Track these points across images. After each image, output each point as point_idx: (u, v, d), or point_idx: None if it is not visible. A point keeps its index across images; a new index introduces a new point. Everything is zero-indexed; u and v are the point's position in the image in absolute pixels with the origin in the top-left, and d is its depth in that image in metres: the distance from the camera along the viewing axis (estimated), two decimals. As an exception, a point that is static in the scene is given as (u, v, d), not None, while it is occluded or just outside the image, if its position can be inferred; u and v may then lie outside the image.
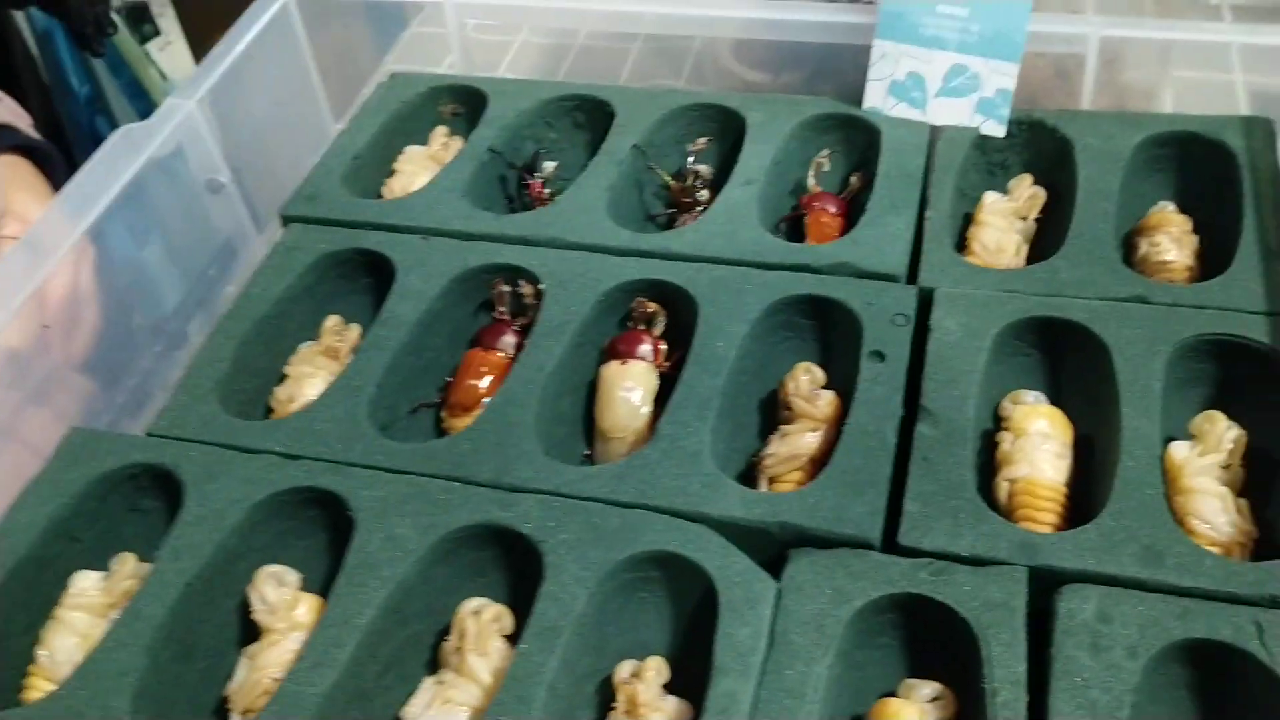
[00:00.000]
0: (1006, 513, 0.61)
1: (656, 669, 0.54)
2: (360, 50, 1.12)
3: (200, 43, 1.89)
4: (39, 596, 0.61)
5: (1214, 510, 0.58)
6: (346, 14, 1.04)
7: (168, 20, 1.81)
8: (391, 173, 0.85)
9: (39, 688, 0.59)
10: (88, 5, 1.23)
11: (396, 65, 1.14)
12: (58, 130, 1.39)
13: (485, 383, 0.69)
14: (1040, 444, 0.62)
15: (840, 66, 0.88)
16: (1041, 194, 0.76)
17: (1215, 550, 0.57)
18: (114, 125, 1.61)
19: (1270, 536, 0.59)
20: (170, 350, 0.83)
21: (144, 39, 1.76)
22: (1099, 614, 0.52)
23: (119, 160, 0.75)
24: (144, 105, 1.63)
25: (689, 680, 0.55)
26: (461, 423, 0.68)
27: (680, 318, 0.70)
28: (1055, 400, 0.65)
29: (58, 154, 0.93)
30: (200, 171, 0.82)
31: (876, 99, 0.80)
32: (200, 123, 0.80)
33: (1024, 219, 0.76)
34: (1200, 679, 0.52)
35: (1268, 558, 0.56)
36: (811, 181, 0.79)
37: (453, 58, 0.94)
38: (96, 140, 1.45)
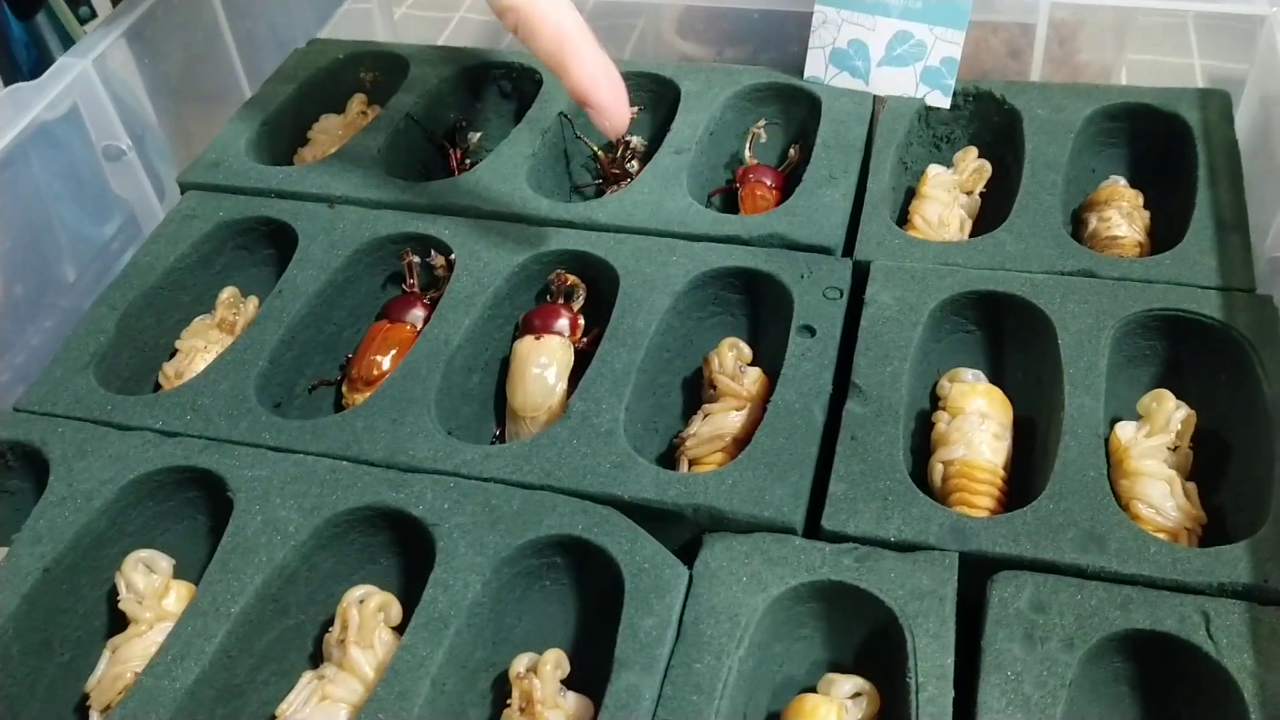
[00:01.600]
0: (941, 496, 0.57)
1: (555, 662, 0.50)
2: (293, 28, 1.07)
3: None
4: (-112, 584, 0.56)
5: (1160, 494, 0.54)
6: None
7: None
8: (305, 141, 0.80)
9: (-119, 683, 0.53)
10: None
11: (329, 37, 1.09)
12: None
13: (389, 357, 0.65)
14: (978, 424, 0.57)
15: (784, 41, 0.85)
16: (987, 167, 0.72)
17: (1162, 536, 0.53)
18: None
19: (1220, 523, 0.55)
20: (63, 326, 0.78)
21: (81, 21, 1.71)
22: (1034, 603, 0.48)
23: (4, 118, 0.70)
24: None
25: (594, 675, 0.50)
26: (362, 398, 0.64)
27: (602, 291, 0.66)
28: (995, 379, 0.61)
29: None
30: (98, 136, 0.76)
31: (817, 68, 0.76)
32: (96, 84, 0.74)
33: (968, 193, 0.72)
34: (1142, 672, 0.48)
35: (1216, 545, 0.53)
36: (747, 154, 0.75)
37: (381, 37, 0.89)
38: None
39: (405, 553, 0.55)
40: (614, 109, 0.58)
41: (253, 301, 0.69)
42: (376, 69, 0.83)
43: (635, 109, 0.77)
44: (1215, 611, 0.47)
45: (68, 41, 1.57)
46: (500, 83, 0.81)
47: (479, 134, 0.79)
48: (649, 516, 0.53)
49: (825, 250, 0.65)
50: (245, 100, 0.90)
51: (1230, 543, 0.51)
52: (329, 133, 0.80)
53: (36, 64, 1.56)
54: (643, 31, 1.02)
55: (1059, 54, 0.86)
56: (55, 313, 0.77)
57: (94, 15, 1.74)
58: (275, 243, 0.70)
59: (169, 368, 0.66)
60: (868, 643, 0.50)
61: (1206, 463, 0.57)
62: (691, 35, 0.95)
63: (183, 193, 0.73)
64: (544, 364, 0.63)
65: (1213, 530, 0.55)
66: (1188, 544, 0.53)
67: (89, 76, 0.74)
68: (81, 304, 0.78)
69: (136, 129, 0.79)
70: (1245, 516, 0.54)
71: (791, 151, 0.75)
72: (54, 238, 0.76)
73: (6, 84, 1.54)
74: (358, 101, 0.81)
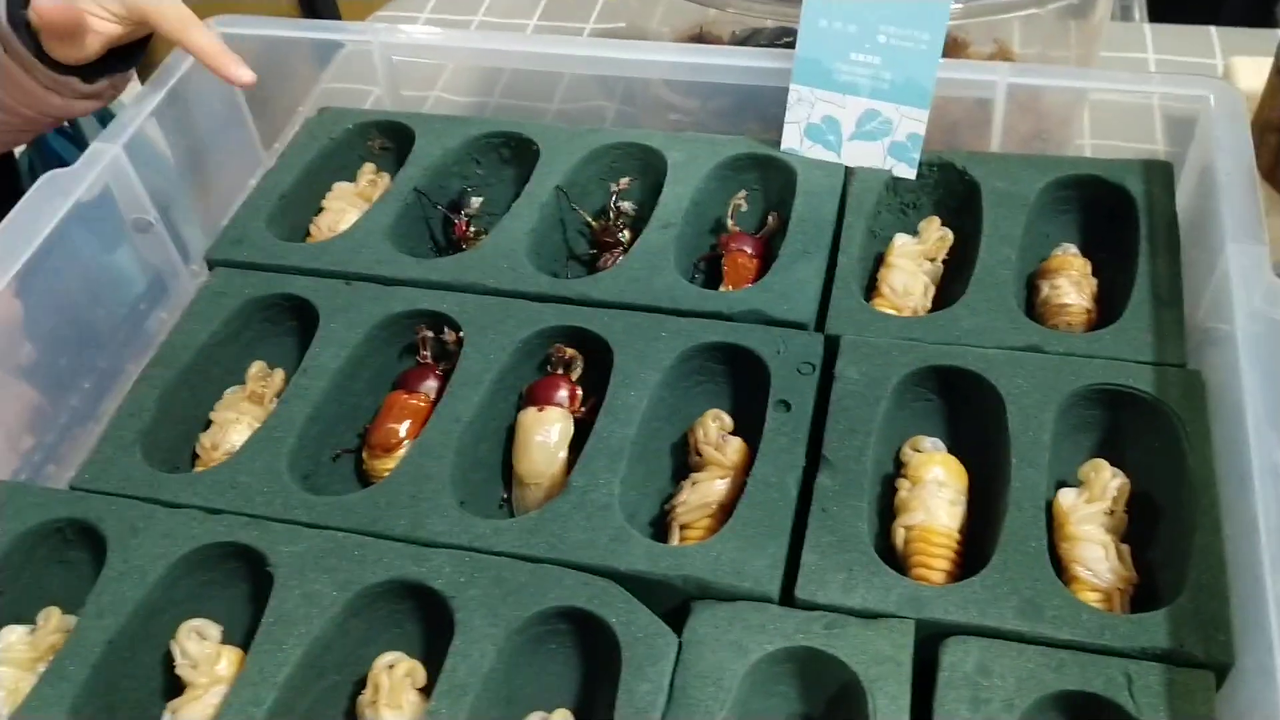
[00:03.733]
0: (903, 558, 0.64)
1: (563, 721, 0.57)
2: (294, 70, 1.12)
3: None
4: (-35, 651, 0.63)
5: (1097, 558, 0.61)
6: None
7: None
8: (319, 210, 0.86)
9: (-35, 743, 0.61)
10: None
11: (331, 84, 1.15)
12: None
13: (405, 425, 0.71)
14: (935, 491, 0.64)
15: (764, 98, 0.90)
16: (949, 236, 0.78)
17: (1097, 595, 0.60)
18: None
19: (1150, 579, 0.62)
20: (102, 383, 0.85)
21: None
22: (979, 667, 0.55)
23: (45, 205, 0.76)
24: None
25: (595, 729, 0.58)
26: (381, 463, 0.70)
27: (598, 362, 0.72)
28: (954, 444, 0.68)
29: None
30: (128, 211, 0.83)
31: (793, 141, 0.82)
32: (126, 166, 0.80)
33: (932, 260, 0.78)
34: (1073, 729, 0.55)
35: (1147, 602, 0.60)
36: (730, 222, 0.81)
37: (380, 91, 0.95)
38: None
39: (426, 618, 0.62)
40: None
41: (279, 373, 0.75)
42: (384, 137, 0.89)
43: (627, 179, 0.83)
44: (1137, 673, 0.54)
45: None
46: (500, 150, 0.87)
47: (481, 199, 0.85)
48: (642, 585, 0.60)
49: (800, 325, 0.71)
50: (258, 158, 0.97)
51: (1157, 597, 0.59)
52: (342, 198, 0.86)
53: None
54: (631, 79, 1.08)
55: (1025, 97, 0.92)
56: (92, 374, 0.84)
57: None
58: (297, 316, 0.77)
59: (205, 438, 0.72)
60: (835, 700, 0.58)
61: (1139, 524, 0.64)
62: (678, 87, 1.01)
63: (210, 268, 0.79)
64: (546, 434, 0.69)
65: (1143, 586, 0.61)
66: (1120, 602, 0.60)
67: (120, 160, 0.80)
68: (115, 363, 0.85)
69: (162, 200, 0.85)
70: (1171, 575, 0.61)
71: (770, 218, 0.82)
72: (90, 306, 0.83)
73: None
74: (368, 170, 0.87)
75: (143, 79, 0.90)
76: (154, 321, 0.88)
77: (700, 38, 1.03)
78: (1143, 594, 0.61)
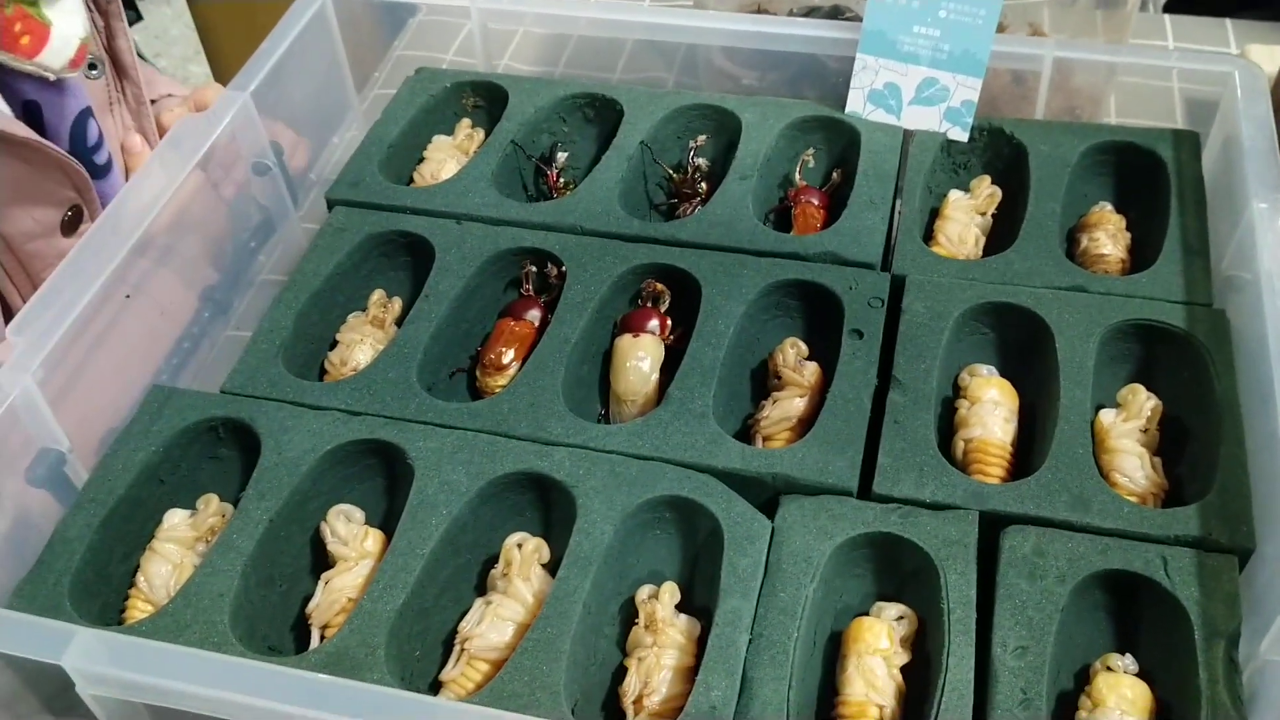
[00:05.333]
0: (962, 466, 0.72)
1: (671, 592, 0.65)
2: (370, 31, 1.21)
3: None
4: (134, 530, 0.71)
5: (1133, 467, 0.70)
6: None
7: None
8: (421, 159, 0.94)
9: (139, 608, 0.69)
10: None
11: (407, 50, 1.23)
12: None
13: (513, 349, 0.79)
14: (991, 410, 0.73)
15: (821, 70, 0.99)
16: (998, 193, 0.87)
17: (1133, 499, 0.69)
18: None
19: (1178, 488, 0.71)
20: (217, 315, 0.93)
21: (129, 24, 1.81)
22: (1036, 549, 0.64)
23: (183, 147, 0.84)
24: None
25: (696, 601, 0.66)
26: (493, 380, 0.79)
27: (685, 296, 0.80)
28: (1005, 372, 0.76)
29: None
30: (250, 155, 0.91)
31: (857, 105, 0.90)
32: (253, 112, 0.88)
33: (983, 214, 0.87)
34: (1116, 601, 0.64)
35: (1175, 505, 0.69)
36: (797, 176, 0.89)
37: (451, 56, 1.02)
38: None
39: (546, 506, 0.70)
40: None
41: (397, 301, 0.83)
42: (478, 95, 0.97)
43: (703, 137, 0.92)
44: (1171, 557, 0.63)
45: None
46: (585, 109, 0.96)
47: (567, 154, 0.93)
48: (736, 481, 0.68)
49: (868, 265, 0.80)
50: (350, 107, 1.05)
51: (1184, 505, 0.67)
52: (441, 150, 0.94)
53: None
54: (690, 49, 1.16)
55: (1057, 78, 1.01)
56: (211, 304, 0.92)
57: (140, 18, 1.82)
58: (411, 251, 0.85)
59: (334, 355, 0.80)
60: (908, 578, 0.66)
61: (1169, 442, 0.72)
62: (737, 59, 1.09)
63: (330, 208, 0.87)
64: (641, 357, 0.78)
65: (1172, 494, 0.70)
66: (1153, 505, 0.69)
67: (248, 107, 0.88)
68: (228, 297, 0.93)
69: (278, 146, 0.93)
70: (1197, 484, 0.69)
71: (834, 175, 0.90)
72: (216, 242, 0.91)
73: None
74: (464, 125, 0.95)
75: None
76: (260, 258, 0.96)
77: (759, 12, 1.11)
78: (1171, 502, 0.70)
